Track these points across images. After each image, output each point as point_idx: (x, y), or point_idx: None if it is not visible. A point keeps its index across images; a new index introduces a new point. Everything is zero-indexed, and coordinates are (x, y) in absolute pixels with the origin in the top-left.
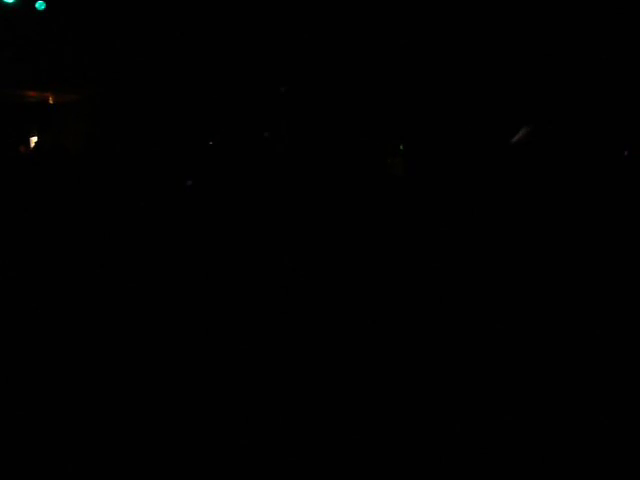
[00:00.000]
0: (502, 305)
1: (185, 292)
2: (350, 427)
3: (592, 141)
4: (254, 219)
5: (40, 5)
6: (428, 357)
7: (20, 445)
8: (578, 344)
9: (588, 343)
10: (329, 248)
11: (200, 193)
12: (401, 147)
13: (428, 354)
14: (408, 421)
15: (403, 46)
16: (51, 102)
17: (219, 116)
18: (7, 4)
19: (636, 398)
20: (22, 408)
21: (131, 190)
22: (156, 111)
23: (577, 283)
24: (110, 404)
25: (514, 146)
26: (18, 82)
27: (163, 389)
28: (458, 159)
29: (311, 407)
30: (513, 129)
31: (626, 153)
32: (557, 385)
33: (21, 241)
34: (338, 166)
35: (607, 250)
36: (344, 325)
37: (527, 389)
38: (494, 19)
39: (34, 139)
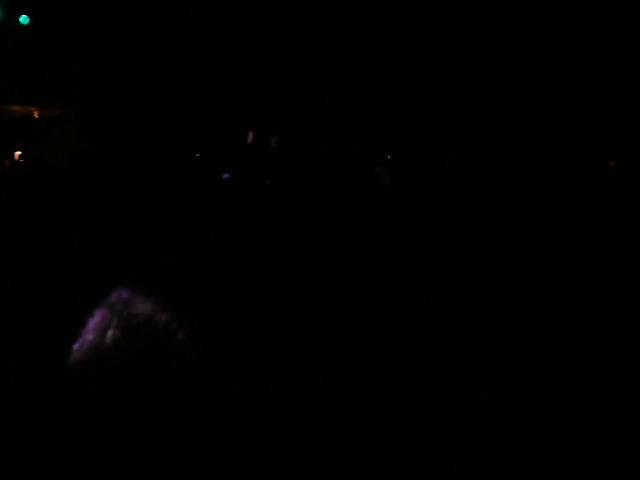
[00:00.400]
0: (488, 313)
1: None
2: (348, 428)
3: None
4: (244, 228)
5: (24, 19)
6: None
7: (20, 445)
8: (578, 345)
9: (588, 344)
10: (319, 256)
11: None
12: (389, 157)
13: (409, 365)
14: (407, 423)
15: (391, 60)
16: (36, 116)
17: (204, 129)
18: None
19: (636, 398)
20: (22, 408)
21: (118, 203)
22: (141, 126)
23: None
24: (111, 403)
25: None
26: (2, 96)
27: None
28: (445, 168)
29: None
30: (498, 140)
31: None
32: (557, 386)
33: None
34: (328, 175)
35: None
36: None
37: (526, 390)
38: (475, 41)
39: (18, 153)
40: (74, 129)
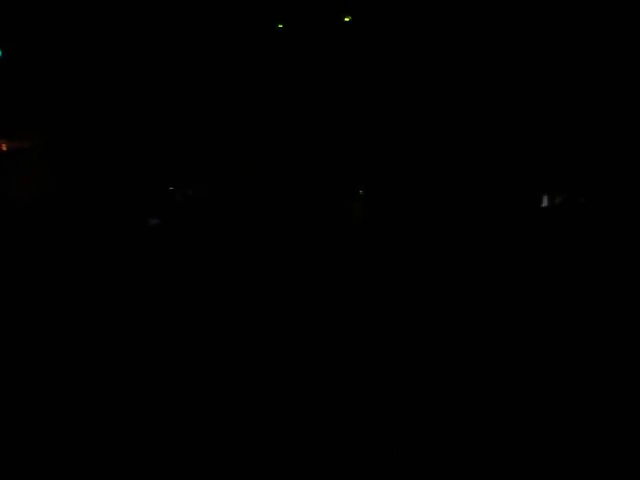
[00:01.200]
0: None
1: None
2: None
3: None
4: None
5: None
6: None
7: (20, 445)
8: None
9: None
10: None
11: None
12: (360, 192)
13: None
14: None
15: (361, 92)
16: (3, 149)
17: (176, 165)
18: None
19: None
20: (23, 408)
21: (87, 236)
22: (112, 157)
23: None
24: (112, 404)
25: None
26: None
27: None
28: (418, 202)
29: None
30: (473, 172)
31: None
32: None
33: None
34: (300, 209)
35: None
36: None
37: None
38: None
39: None
40: (43, 162)
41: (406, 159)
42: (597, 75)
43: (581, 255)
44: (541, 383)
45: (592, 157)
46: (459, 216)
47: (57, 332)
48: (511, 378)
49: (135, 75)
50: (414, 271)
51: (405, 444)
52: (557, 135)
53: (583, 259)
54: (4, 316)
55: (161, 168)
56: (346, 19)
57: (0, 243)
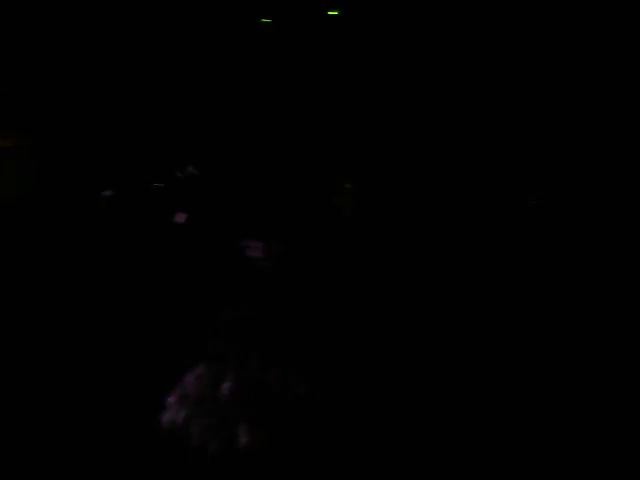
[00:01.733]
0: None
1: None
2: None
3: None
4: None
5: None
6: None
7: (20, 445)
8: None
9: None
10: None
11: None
12: (348, 186)
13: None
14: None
15: (351, 88)
16: None
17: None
18: None
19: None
20: (23, 408)
21: (71, 237)
22: (98, 158)
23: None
24: (110, 402)
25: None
26: None
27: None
28: (409, 198)
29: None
30: (460, 168)
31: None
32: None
33: None
34: (286, 205)
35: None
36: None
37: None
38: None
39: None
40: (29, 162)
41: (398, 153)
42: (597, 75)
43: (578, 254)
44: (540, 381)
45: (592, 157)
46: (454, 212)
47: (48, 332)
48: (510, 377)
49: (120, 72)
50: (406, 268)
51: (405, 444)
52: (554, 134)
53: (580, 258)
54: None
55: (148, 169)
56: (332, 13)
57: None
